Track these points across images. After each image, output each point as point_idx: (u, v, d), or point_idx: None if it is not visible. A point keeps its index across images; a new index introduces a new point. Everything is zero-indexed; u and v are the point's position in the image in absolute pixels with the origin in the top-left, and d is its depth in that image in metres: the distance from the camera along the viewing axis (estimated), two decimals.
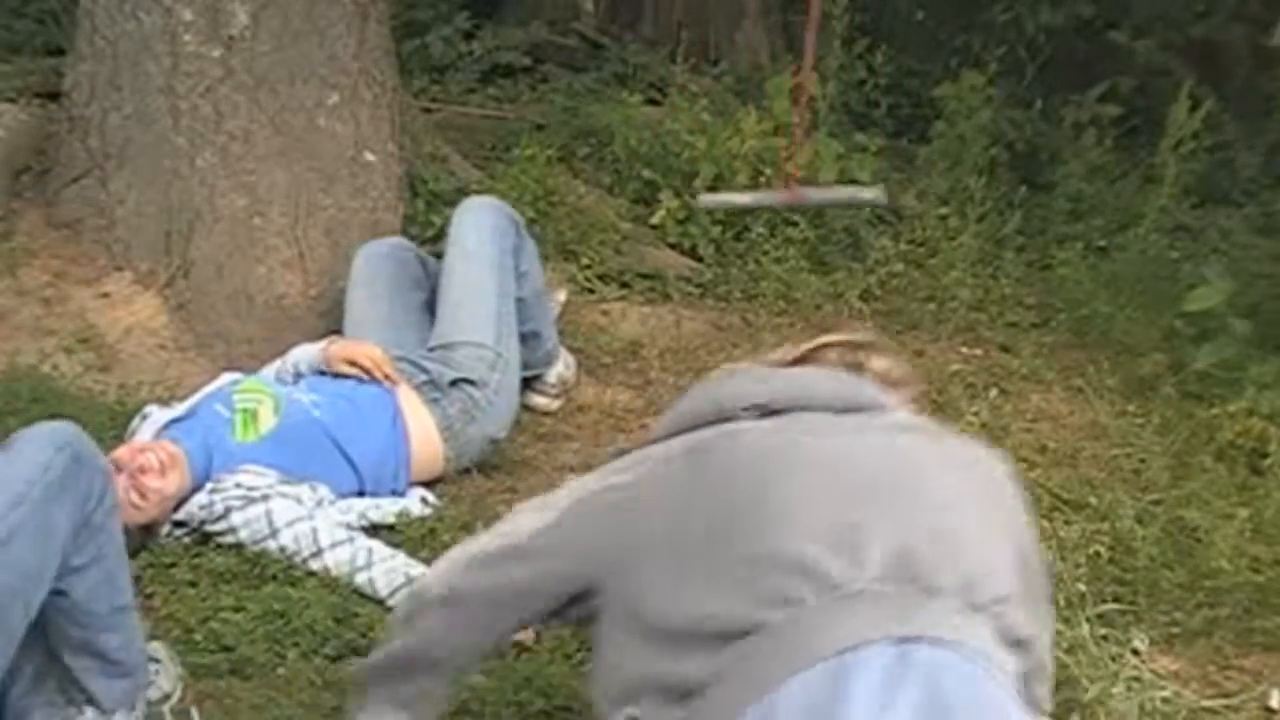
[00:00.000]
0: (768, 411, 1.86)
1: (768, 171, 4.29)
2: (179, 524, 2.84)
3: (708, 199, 3.86)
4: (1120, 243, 4.49)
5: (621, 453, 1.99)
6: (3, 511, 1.94)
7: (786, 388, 1.90)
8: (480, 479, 3.22)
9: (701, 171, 4.30)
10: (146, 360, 3.51)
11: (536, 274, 3.50)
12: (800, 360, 2.02)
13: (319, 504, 2.88)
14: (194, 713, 2.34)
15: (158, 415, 3.03)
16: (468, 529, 2.97)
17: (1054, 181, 4.94)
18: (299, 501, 2.83)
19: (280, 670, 2.49)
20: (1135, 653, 2.58)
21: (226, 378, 3.18)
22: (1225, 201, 5.01)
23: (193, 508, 2.82)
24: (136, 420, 3.05)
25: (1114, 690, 2.43)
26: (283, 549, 2.75)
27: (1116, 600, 2.74)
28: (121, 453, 2.78)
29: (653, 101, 5.05)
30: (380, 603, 2.68)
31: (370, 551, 2.75)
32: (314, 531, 2.76)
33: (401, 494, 3.07)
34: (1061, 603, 2.56)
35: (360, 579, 2.71)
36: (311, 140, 3.72)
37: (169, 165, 3.64)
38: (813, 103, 4.29)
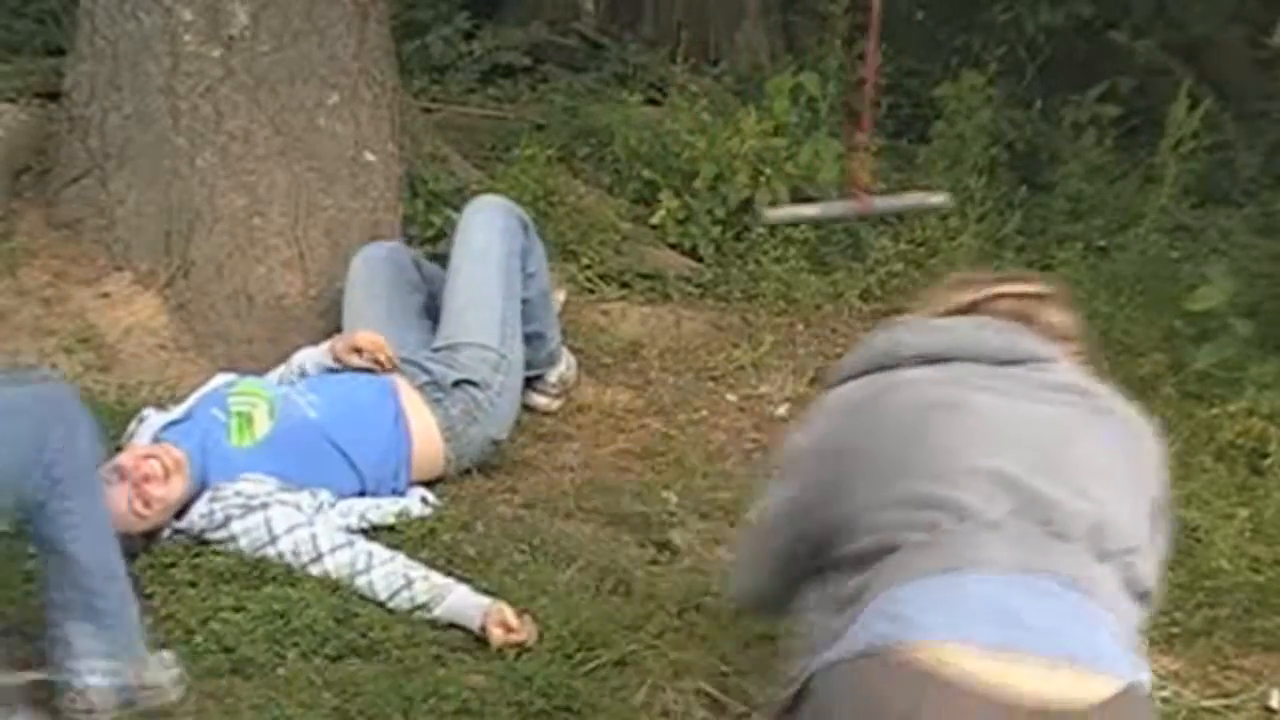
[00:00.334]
0: (932, 360, 1.97)
1: (768, 171, 4.28)
2: (179, 531, 2.84)
3: (773, 214, 3.81)
4: (1120, 243, 4.48)
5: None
6: None
7: (950, 339, 2.00)
8: (481, 479, 3.22)
9: (701, 171, 4.29)
10: (146, 360, 3.51)
11: (543, 275, 3.50)
12: (972, 306, 2.09)
13: (319, 509, 2.87)
14: None
15: (154, 418, 3.03)
16: (468, 529, 2.98)
17: (1054, 181, 4.92)
18: (298, 508, 2.83)
19: (280, 670, 2.49)
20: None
21: (221, 379, 3.18)
22: (1225, 201, 4.99)
23: (194, 516, 2.82)
24: (134, 423, 3.05)
25: None
26: (282, 555, 2.75)
27: None
28: (124, 460, 2.77)
29: (653, 101, 5.04)
30: (381, 605, 2.68)
31: (370, 555, 2.74)
32: (313, 537, 2.76)
33: (402, 493, 3.07)
34: None
35: (361, 582, 2.71)
36: (311, 140, 3.72)
37: (169, 165, 3.64)
38: (876, 110, 4.24)
